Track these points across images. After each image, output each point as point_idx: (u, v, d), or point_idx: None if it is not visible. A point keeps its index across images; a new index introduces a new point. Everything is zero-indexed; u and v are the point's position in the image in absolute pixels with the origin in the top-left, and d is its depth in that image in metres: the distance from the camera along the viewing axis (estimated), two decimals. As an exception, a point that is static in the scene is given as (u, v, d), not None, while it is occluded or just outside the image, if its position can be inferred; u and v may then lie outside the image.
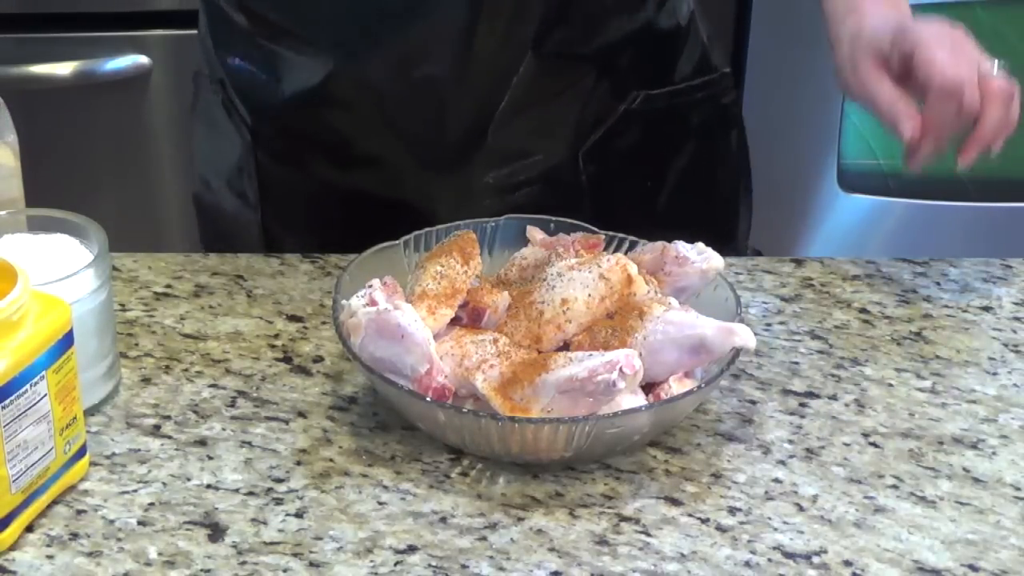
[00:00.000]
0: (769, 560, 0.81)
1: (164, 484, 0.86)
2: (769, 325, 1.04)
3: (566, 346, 0.90)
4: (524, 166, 1.17)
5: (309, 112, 1.17)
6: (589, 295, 0.90)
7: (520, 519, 0.84)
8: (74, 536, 0.82)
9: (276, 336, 1.01)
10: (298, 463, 0.88)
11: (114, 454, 0.88)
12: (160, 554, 0.80)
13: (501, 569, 0.80)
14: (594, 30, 1.13)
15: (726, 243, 1.23)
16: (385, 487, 0.86)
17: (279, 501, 0.84)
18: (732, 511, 0.84)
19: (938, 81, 0.98)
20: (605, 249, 0.98)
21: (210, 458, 0.88)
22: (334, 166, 1.19)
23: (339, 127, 1.17)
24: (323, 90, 1.14)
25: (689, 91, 1.22)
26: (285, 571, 0.79)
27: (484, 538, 0.82)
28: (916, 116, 0.99)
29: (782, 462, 0.89)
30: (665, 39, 1.20)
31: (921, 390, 0.97)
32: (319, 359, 0.98)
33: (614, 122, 1.18)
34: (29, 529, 0.82)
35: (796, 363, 0.99)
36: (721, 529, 0.83)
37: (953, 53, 0.99)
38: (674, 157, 1.24)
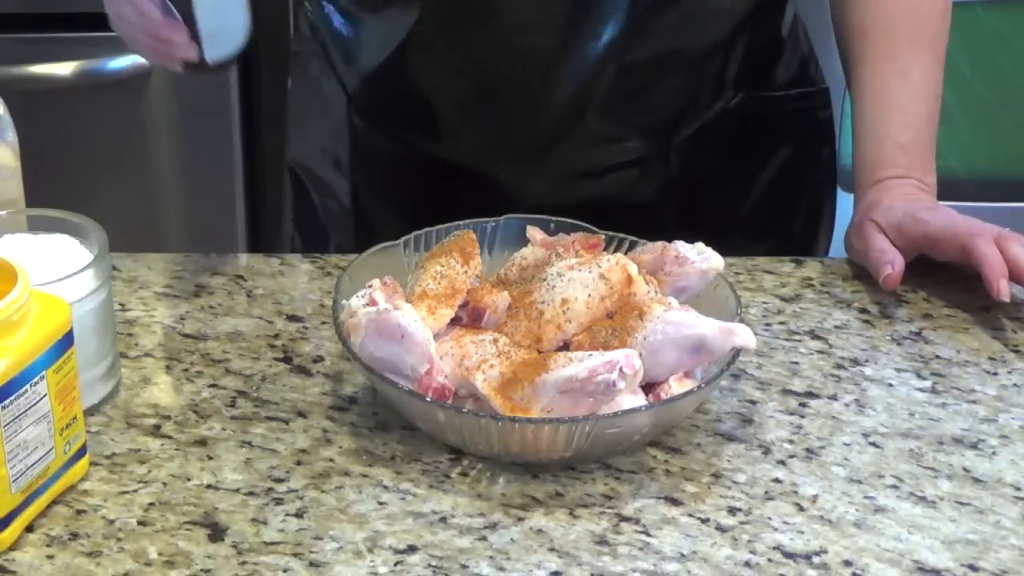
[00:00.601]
0: (769, 560, 0.81)
1: (164, 484, 0.86)
2: (769, 325, 1.04)
3: (566, 346, 0.90)
4: (618, 150, 1.18)
5: (402, 77, 1.17)
6: (589, 295, 0.90)
7: (520, 519, 0.83)
8: (74, 536, 0.82)
9: (276, 336, 1.01)
10: (298, 463, 0.88)
11: (114, 454, 0.88)
12: (160, 554, 0.80)
13: (501, 569, 0.80)
14: (698, 23, 1.14)
15: (804, 255, 1.26)
16: (385, 487, 0.86)
17: (279, 501, 0.84)
18: (732, 511, 0.84)
19: (964, 229, 1.04)
20: (605, 249, 0.98)
21: (210, 458, 0.88)
22: (425, 135, 1.20)
23: (429, 94, 1.17)
24: (416, 55, 1.15)
25: (785, 100, 1.24)
26: (285, 571, 0.79)
27: (484, 538, 0.82)
28: (898, 262, 1.05)
29: (782, 462, 0.89)
30: (765, 45, 1.21)
31: (921, 390, 0.97)
32: (319, 359, 0.98)
33: (710, 118, 1.19)
34: (29, 529, 0.82)
35: (796, 363, 0.99)
36: (721, 529, 0.83)
37: (965, 220, 1.06)
38: (765, 164, 1.25)
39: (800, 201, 1.29)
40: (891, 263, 1.05)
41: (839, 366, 0.99)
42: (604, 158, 1.18)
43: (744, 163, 1.24)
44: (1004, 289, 1.00)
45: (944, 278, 1.09)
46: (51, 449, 0.82)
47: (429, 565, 0.80)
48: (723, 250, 1.08)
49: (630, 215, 1.03)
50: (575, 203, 1.04)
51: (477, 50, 1.13)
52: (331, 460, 0.88)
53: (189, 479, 0.86)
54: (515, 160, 1.17)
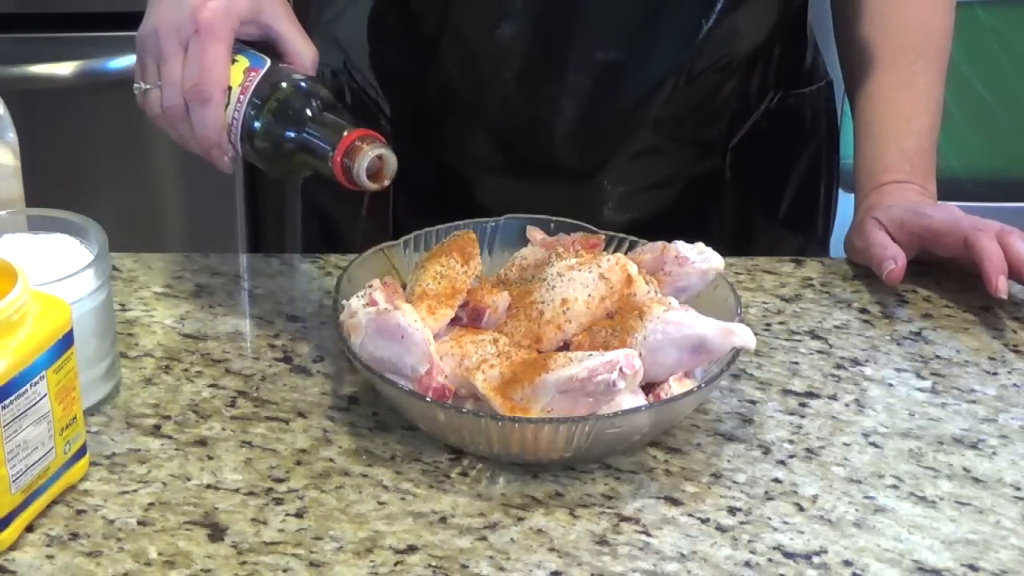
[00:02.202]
0: (769, 560, 0.81)
1: (164, 484, 0.86)
2: (769, 325, 1.04)
3: (566, 346, 0.90)
4: (672, 162, 1.18)
5: (451, 92, 1.17)
6: (589, 295, 0.90)
7: (520, 519, 0.84)
8: (74, 536, 0.82)
9: (276, 336, 1.01)
10: (298, 463, 0.88)
11: (114, 454, 0.88)
12: (160, 554, 0.80)
13: (501, 569, 0.80)
14: (748, 29, 1.15)
15: (823, 245, 1.29)
16: (385, 487, 0.86)
17: (279, 501, 0.84)
18: (732, 511, 0.84)
19: (967, 224, 1.05)
20: (605, 249, 0.98)
21: (210, 458, 0.88)
22: (472, 156, 1.19)
23: (480, 114, 1.16)
24: (472, 70, 1.14)
25: (811, 95, 1.26)
26: (285, 571, 0.79)
27: (484, 538, 0.82)
28: (900, 257, 1.05)
29: (782, 462, 0.89)
30: (797, 43, 1.23)
31: (921, 390, 0.97)
32: (319, 359, 0.98)
33: (757, 118, 1.20)
34: (29, 529, 0.82)
35: (796, 363, 0.99)
36: (721, 529, 0.83)
37: (968, 216, 1.06)
38: (796, 161, 1.27)
39: (820, 194, 1.31)
40: (893, 258, 1.05)
41: (839, 366, 0.99)
42: (658, 171, 1.18)
43: (781, 161, 1.26)
44: (1002, 286, 1.00)
45: (944, 278, 1.09)
46: (51, 449, 0.82)
47: (429, 565, 0.80)
48: (766, 250, 1.09)
49: (683, 228, 1.02)
50: (626, 221, 1.03)
51: (548, 67, 1.12)
52: (331, 460, 0.88)
53: (189, 479, 0.86)
54: (568, 179, 1.17)
